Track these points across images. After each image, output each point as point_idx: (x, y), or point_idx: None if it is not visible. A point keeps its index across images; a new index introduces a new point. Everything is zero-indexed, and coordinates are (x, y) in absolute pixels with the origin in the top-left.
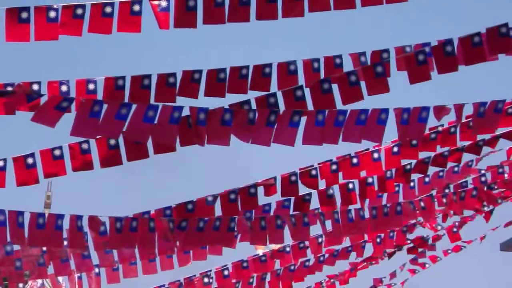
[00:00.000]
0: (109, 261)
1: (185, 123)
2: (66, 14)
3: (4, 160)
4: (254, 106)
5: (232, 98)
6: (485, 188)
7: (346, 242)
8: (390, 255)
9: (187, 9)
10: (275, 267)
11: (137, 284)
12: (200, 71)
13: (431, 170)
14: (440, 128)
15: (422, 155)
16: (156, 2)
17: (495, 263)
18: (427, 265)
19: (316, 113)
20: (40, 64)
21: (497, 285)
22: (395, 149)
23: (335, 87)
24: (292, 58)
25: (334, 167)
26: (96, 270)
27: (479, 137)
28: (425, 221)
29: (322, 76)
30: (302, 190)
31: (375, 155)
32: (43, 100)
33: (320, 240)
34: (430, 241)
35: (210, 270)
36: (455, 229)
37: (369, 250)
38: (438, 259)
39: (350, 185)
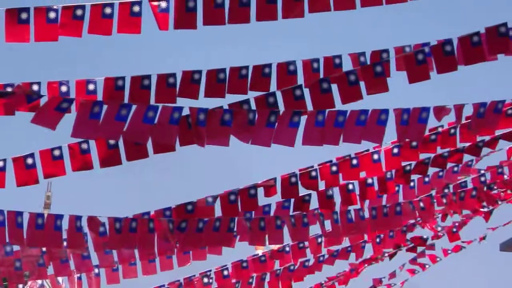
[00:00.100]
0: (109, 261)
1: (185, 123)
2: (66, 15)
3: (4, 160)
4: (253, 105)
5: (231, 98)
6: (485, 188)
7: (346, 242)
8: (391, 256)
9: (187, 10)
10: (274, 267)
11: (136, 285)
12: (200, 72)
13: (431, 170)
14: (440, 129)
15: (422, 156)
16: (156, 3)
17: (495, 263)
18: (427, 266)
19: (316, 114)
20: (40, 64)
21: (497, 285)
22: (395, 150)
23: (334, 86)
24: (292, 59)
25: (334, 168)
26: (96, 270)
27: (479, 138)
28: (424, 222)
29: (321, 76)
30: (302, 191)
31: (375, 156)
32: (43, 101)
33: (319, 240)
34: (429, 240)
35: (210, 270)
36: (454, 229)
37: (368, 250)
38: (438, 259)
39: (350, 186)
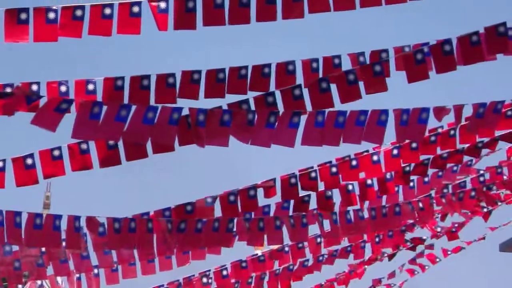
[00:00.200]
0: (108, 262)
1: (185, 123)
2: (65, 16)
3: (4, 160)
4: (252, 105)
5: (230, 98)
6: (484, 189)
7: (345, 242)
8: (391, 257)
9: (186, 11)
10: (274, 267)
11: (136, 285)
12: (199, 72)
13: (430, 170)
14: (439, 130)
15: (422, 157)
16: (155, 4)
17: (494, 263)
18: (426, 267)
19: (316, 114)
20: (39, 64)
21: (496, 285)
22: (395, 151)
23: (333, 86)
24: (292, 59)
25: (333, 169)
26: (95, 271)
27: (478, 139)
28: (423, 222)
29: (320, 76)
30: (302, 191)
31: (375, 158)
32: (42, 101)
33: (318, 240)
34: (428, 240)
35: (209, 270)
36: (453, 230)
37: (367, 250)
38: (438, 259)
39: (350, 187)
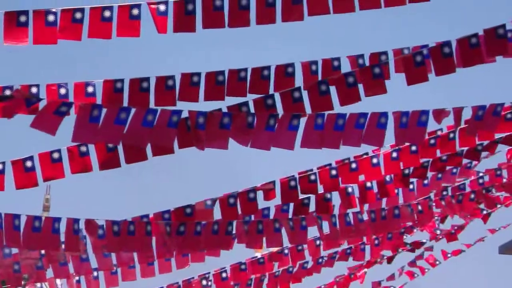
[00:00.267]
0: (108, 264)
1: (184, 126)
2: (65, 18)
3: (3, 163)
4: (252, 107)
5: (230, 100)
6: (484, 192)
7: (345, 244)
8: (390, 260)
9: (186, 13)
10: (273, 269)
11: None
12: (198, 74)
13: (430, 173)
14: (439, 133)
15: (421, 160)
16: (154, 6)
17: (494, 265)
18: (426, 270)
19: (316, 117)
20: (39, 66)
21: (496, 287)
22: (394, 154)
23: (332, 88)
24: (292, 61)
25: (333, 172)
26: (95, 273)
27: (478, 142)
28: (422, 224)
29: (320, 78)
30: (302, 194)
31: (374, 160)
32: (42, 104)
33: (318, 242)
34: (427, 243)
35: (209, 273)
36: (453, 232)
37: (367, 252)
38: (438, 262)
39: (349, 189)
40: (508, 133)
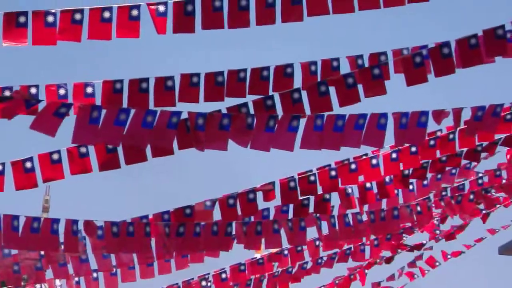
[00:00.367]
0: (107, 265)
1: (184, 127)
2: (64, 19)
3: (3, 164)
4: (251, 108)
5: (229, 101)
6: (483, 192)
7: (344, 245)
8: (389, 260)
9: (185, 14)
10: (273, 270)
11: None
12: (198, 75)
13: (429, 174)
14: (438, 134)
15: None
16: (154, 7)
17: (493, 266)
18: (426, 271)
19: (315, 118)
20: (38, 67)
21: None
22: (394, 155)
23: (332, 89)
24: (292, 62)
25: (332, 173)
26: (94, 274)
27: (478, 143)
28: (420, 226)
29: (319, 79)
30: (301, 195)
31: (374, 161)
32: (41, 106)
33: (317, 243)
34: (427, 242)
35: (208, 273)
36: (452, 232)
37: (367, 253)
38: (437, 264)
39: (349, 190)
40: (508, 134)
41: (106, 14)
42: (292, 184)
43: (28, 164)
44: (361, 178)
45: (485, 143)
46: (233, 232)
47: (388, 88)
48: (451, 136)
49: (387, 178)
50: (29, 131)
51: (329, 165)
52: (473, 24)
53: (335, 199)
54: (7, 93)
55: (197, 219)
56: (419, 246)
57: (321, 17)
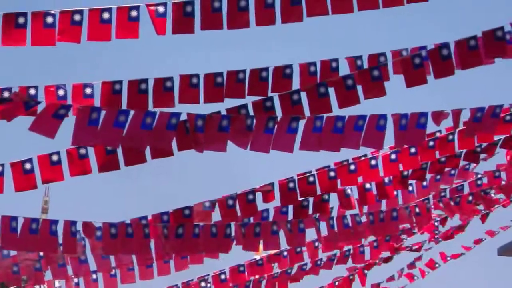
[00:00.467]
0: (107, 266)
1: (183, 129)
2: (63, 20)
3: (2, 165)
4: (250, 110)
5: (228, 102)
6: (482, 194)
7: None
8: (387, 260)
9: (184, 15)
10: (272, 271)
11: None
12: (197, 75)
13: (429, 175)
14: (438, 134)
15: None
16: (153, 8)
17: (493, 267)
18: (426, 273)
19: (314, 119)
20: (37, 67)
21: None
22: (393, 156)
23: (331, 90)
24: (291, 62)
25: (331, 173)
26: (94, 275)
27: (477, 144)
28: (419, 227)
29: (318, 80)
30: (301, 196)
31: (373, 162)
32: (40, 107)
33: (316, 244)
34: (426, 244)
35: (208, 275)
36: (451, 233)
37: (366, 255)
38: (437, 265)
39: (349, 191)
40: (507, 135)
41: (106, 15)
42: (291, 185)
43: (28, 166)
44: (360, 179)
45: (484, 144)
46: (232, 234)
47: (388, 90)
48: (450, 137)
49: (386, 179)
50: (29, 132)
51: (328, 166)
52: (472, 24)
53: (334, 200)
54: (6, 94)
55: (196, 220)
56: (418, 248)
57: (320, 18)
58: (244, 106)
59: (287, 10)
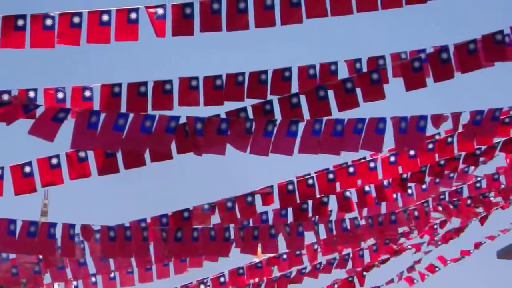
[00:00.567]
0: (106, 269)
1: (182, 132)
2: (63, 23)
3: (2, 168)
4: (250, 113)
5: (228, 105)
6: (481, 197)
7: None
8: (384, 261)
9: (184, 17)
10: (272, 274)
11: None
12: (196, 78)
13: (428, 178)
14: (437, 137)
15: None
16: (152, 10)
17: (493, 270)
18: (426, 277)
19: (313, 122)
20: (36, 70)
21: None
22: (392, 158)
23: (330, 94)
24: (291, 64)
25: (331, 176)
26: (93, 279)
27: (476, 147)
28: (418, 230)
29: (317, 82)
30: (300, 199)
31: (372, 165)
32: (39, 111)
33: (315, 247)
34: (424, 247)
35: (207, 278)
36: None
37: (366, 258)
38: (437, 269)
39: (347, 193)
40: (506, 138)
41: (105, 18)
42: (290, 187)
43: (27, 169)
44: (359, 181)
45: (483, 147)
46: (231, 237)
47: (387, 93)
48: (449, 139)
49: (385, 182)
50: (28, 135)
51: (328, 169)
52: (471, 25)
53: (333, 204)
54: (5, 96)
55: (195, 222)
56: (417, 250)
57: (319, 19)
58: (244, 109)
59: (286, 11)
